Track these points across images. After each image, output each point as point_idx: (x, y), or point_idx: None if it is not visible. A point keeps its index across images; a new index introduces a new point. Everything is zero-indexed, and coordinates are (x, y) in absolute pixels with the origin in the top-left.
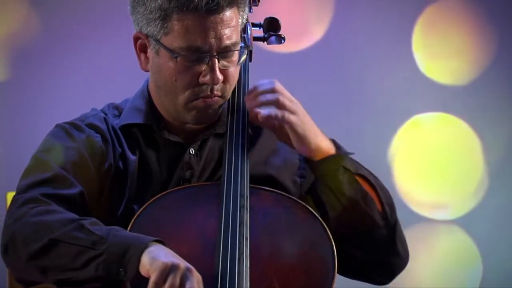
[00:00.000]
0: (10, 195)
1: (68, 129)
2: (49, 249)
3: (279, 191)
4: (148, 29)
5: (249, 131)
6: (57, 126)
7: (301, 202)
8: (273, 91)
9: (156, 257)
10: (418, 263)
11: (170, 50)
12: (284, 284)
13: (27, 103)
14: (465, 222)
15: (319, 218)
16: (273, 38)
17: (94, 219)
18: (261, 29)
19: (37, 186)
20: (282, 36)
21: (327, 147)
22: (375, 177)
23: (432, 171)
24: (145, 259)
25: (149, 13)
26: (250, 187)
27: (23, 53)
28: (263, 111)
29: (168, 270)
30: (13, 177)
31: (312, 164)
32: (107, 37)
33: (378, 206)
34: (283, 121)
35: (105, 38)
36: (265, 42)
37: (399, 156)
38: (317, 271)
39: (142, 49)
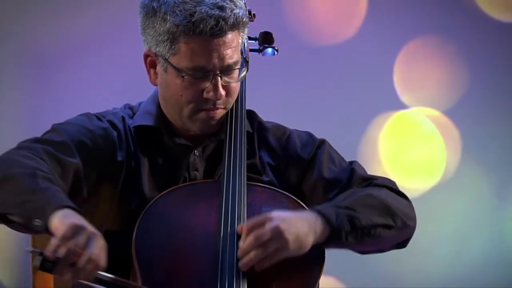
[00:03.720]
0: None
1: (90, 117)
2: (2, 182)
3: (272, 188)
4: (157, 49)
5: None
6: (82, 113)
7: (293, 196)
8: (270, 238)
9: (67, 217)
10: None
11: (178, 69)
12: (278, 271)
13: (42, 102)
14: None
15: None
16: (267, 50)
17: (52, 177)
18: (257, 42)
19: (43, 143)
20: (276, 48)
21: (322, 230)
22: (364, 195)
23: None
24: (56, 217)
25: (158, 35)
26: (247, 184)
27: (41, 57)
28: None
29: (76, 230)
30: None
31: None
32: (123, 45)
33: (384, 228)
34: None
35: (121, 46)
36: (260, 54)
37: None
38: (307, 259)
39: (151, 65)
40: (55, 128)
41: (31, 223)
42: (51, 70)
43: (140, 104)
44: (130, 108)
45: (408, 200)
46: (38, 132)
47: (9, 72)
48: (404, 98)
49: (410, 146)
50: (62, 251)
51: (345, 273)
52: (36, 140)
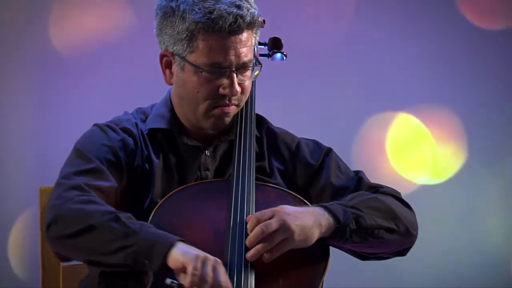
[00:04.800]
0: (43, 189)
1: (105, 130)
2: (86, 233)
3: (280, 187)
4: (175, 47)
5: (259, 135)
6: (96, 125)
7: (299, 196)
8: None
9: (188, 250)
10: None
11: (195, 66)
12: (284, 264)
13: (57, 105)
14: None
15: None
16: (276, 55)
17: (129, 214)
18: (266, 47)
19: (80, 175)
20: (285, 53)
21: (327, 225)
22: (371, 198)
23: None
24: (176, 252)
25: (176, 33)
26: (256, 184)
27: (55, 61)
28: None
29: (202, 261)
30: (44, 172)
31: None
32: (137, 49)
33: (387, 231)
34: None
35: (134, 50)
36: (270, 58)
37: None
38: (313, 255)
39: (167, 66)
40: (81, 153)
41: (139, 265)
42: (60, 73)
43: (152, 106)
44: (143, 112)
45: (412, 211)
46: (48, 133)
47: (21, 75)
48: (396, 99)
49: (403, 145)
50: (197, 282)
51: (339, 272)
52: (73, 174)
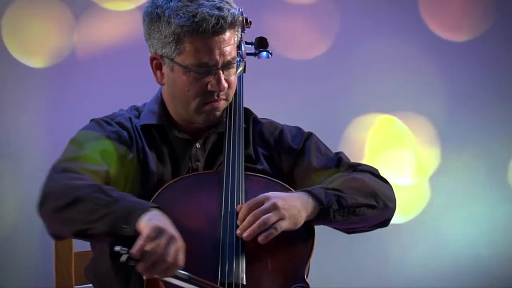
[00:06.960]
0: None
1: (100, 123)
2: (73, 204)
3: (268, 177)
4: (163, 50)
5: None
6: (92, 120)
7: (286, 185)
8: (270, 209)
9: (152, 219)
10: None
11: (184, 67)
12: (273, 247)
13: (66, 108)
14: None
15: None
16: (262, 53)
17: (112, 187)
18: (253, 46)
19: (74, 161)
20: (270, 51)
21: (312, 208)
22: (350, 178)
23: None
24: (143, 219)
25: (163, 37)
26: (244, 174)
27: (63, 66)
28: (263, 237)
29: (158, 232)
30: None
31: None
32: (131, 54)
33: (368, 207)
34: (280, 230)
35: (129, 55)
36: (256, 57)
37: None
38: (299, 236)
39: (157, 67)
40: (75, 142)
41: (119, 230)
42: (74, 74)
43: (145, 104)
44: (136, 109)
45: (389, 184)
46: (62, 133)
47: (33, 77)
48: (377, 102)
49: (383, 147)
50: (146, 251)
51: (331, 272)
52: (66, 160)
